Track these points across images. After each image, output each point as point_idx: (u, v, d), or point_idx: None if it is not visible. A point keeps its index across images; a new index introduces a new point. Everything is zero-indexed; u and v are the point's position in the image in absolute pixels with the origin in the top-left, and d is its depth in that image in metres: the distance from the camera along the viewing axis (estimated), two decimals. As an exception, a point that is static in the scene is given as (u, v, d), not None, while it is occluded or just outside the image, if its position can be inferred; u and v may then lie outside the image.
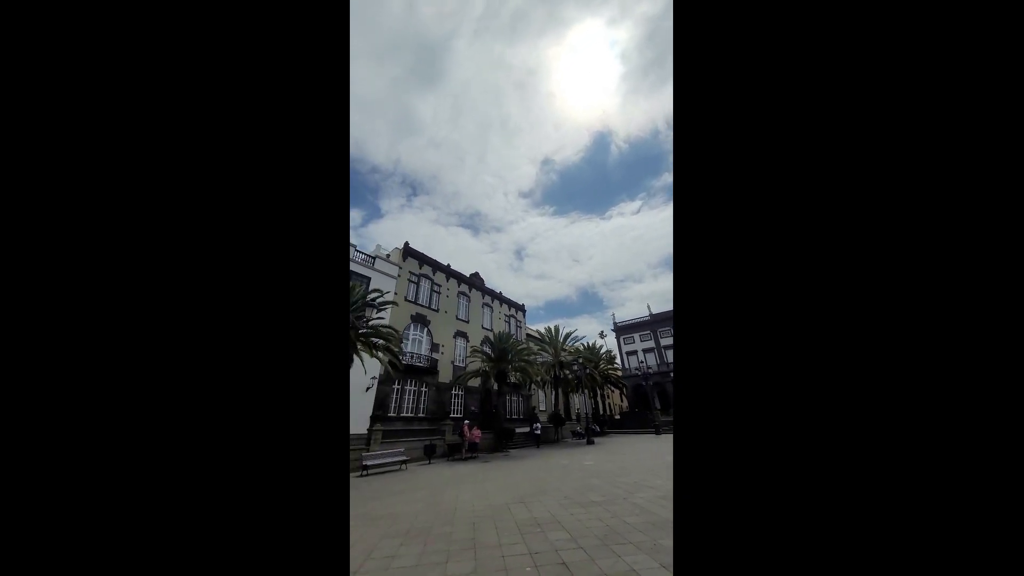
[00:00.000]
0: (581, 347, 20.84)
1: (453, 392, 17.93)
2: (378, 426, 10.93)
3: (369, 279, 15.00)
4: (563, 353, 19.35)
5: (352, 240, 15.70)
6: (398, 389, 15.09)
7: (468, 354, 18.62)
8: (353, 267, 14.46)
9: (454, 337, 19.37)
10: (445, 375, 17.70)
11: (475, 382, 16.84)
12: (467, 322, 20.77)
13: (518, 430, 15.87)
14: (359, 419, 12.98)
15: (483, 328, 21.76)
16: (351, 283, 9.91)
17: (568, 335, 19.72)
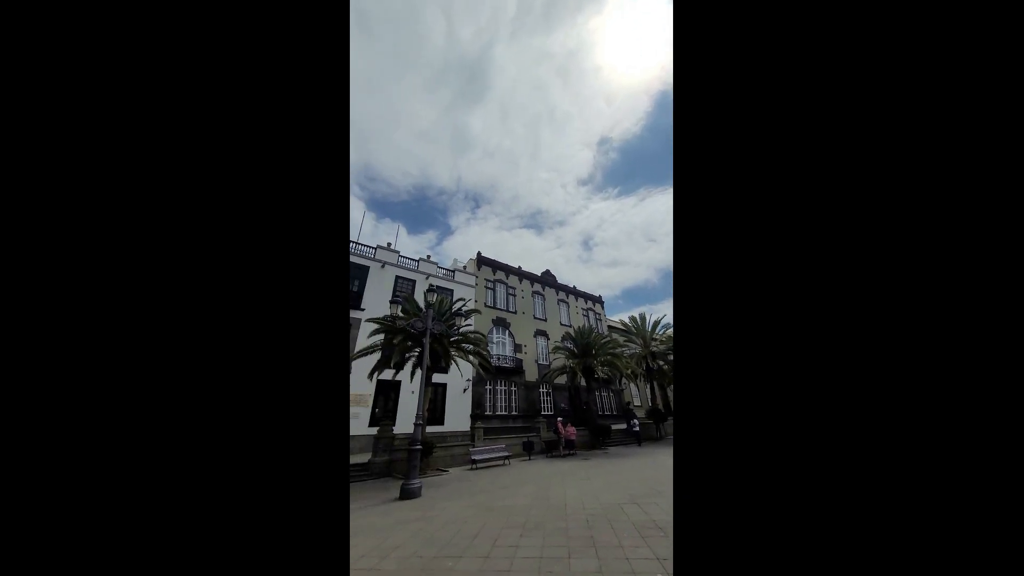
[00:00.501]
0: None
1: (541, 390, 18.22)
2: (479, 424, 11.81)
3: (452, 291, 16.45)
4: (654, 343, 17.78)
5: (434, 259, 17.53)
6: (490, 389, 16.09)
7: (551, 351, 18.69)
8: (437, 282, 16.07)
9: (534, 336, 19.68)
10: (531, 374, 18.12)
11: (561, 379, 16.74)
12: (545, 320, 20.87)
13: (614, 427, 15.18)
14: (461, 418, 14.32)
15: (561, 324, 21.56)
16: (439, 297, 11.02)
17: (657, 322, 18.07)
